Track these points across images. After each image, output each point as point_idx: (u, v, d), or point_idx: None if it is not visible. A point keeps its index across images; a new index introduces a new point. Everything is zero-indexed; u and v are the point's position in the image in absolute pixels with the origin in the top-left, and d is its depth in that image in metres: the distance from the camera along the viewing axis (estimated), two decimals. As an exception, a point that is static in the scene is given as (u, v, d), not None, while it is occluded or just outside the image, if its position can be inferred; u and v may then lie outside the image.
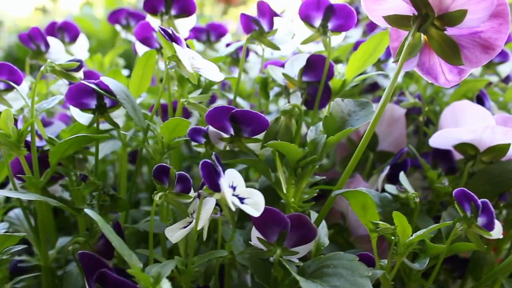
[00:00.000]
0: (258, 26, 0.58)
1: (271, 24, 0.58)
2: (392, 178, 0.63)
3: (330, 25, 0.59)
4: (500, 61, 0.75)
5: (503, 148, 0.60)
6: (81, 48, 0.74)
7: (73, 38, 0.73)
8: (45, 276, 0.60)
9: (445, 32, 0.49)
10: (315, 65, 0.60)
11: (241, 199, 0.44)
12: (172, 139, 0.53)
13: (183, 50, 0.51)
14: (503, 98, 0.73)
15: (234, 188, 0.45)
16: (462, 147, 0.62)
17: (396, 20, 0.51)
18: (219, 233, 0.51)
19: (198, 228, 0.46)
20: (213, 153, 0.45)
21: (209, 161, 0.44)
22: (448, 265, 0.68)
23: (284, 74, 0.61)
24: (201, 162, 0.43)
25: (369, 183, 0.68)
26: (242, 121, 0.52)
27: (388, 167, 0.64)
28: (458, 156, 0.66)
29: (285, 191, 0.53)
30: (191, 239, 0.48)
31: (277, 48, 0.59)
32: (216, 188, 0.43)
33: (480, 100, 0.70)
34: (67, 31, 0.73)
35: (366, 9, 0.52)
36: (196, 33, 0.80)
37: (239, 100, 0.70)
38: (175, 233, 0.47)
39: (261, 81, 0.63)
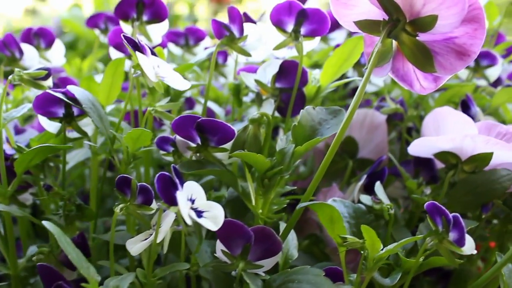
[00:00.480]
0: (229, 32, 0.57)
1: (241, 30, 0.56)
2: (369, 188, 0.61)
3: (303, 30, 0.57)
4: (488, 64, 0.72)
5: (485, 157, 0.57)
6: (57, 54, 0.73)
7: (49, 44, 0.72)
8: (14, 285, 0.59)
9: (417, 38, 0.47)
10: (288, 71, 0.59)
11: (200, 212, 0.43)
12: (137, 149, 0.52)
13: (147, 59, 0.50)
14: (489, 103, 0.71)
15: (193, 201, 0.43)
16: (443, 155, 0.60)
17: (367, 26, 0.49)
18: (183, 245, 0.50)
19: (158, 241, 0.45)
20: (172, 165, 0.44)
21: (166, 173, 0.42)
22: (431, 277, 0.66)
23: (256, 81, 0.59)
24: (157, 175, 0.42)
25: (347, 192, 0.66)
26: (207, 131, 0.51)
27: (365, 176, 0.62)
28: (440, 164, 0.64)
29: (253, 202, 0.52)
30: (153, 251, 0.47)
31: (248, 55, 0.57)
32: (171, 201, 0.41)
33: (465, 105, 0.68)
34: (42, 37, 0.72)
35: (336, 14, 0.50)
36: (174, 37, 0.78)
37: (214, 106, 0.68)
38: (135, 246, 0.46)
39: (234, 88, 0.61)
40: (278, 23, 0.57)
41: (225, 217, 0.45)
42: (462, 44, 0.47)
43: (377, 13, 0.49)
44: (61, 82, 0.70)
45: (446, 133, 0.61)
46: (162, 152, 0.56)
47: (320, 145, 0.72)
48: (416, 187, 0.61)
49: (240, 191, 0.52)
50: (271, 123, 0.53)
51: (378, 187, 0.57)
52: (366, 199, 0.57)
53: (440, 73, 0.48)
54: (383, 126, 0.69)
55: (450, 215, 0.44)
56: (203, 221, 0.42)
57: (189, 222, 0.40)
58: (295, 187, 0.55)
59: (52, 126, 0.58)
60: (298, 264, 0.51)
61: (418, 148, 0.61)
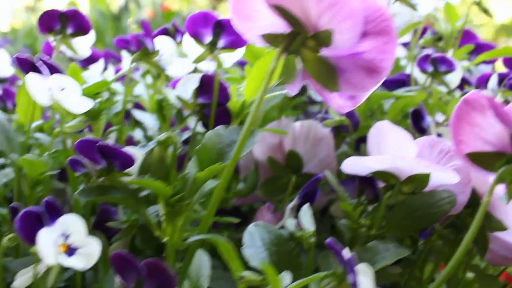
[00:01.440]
0: (143, 46, 0.53)
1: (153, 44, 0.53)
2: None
3: (222, 41, 0.53)
4: (446, 70, 0.66)
5: (423, 179, 0.52)
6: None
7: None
8: None
9: (320, 53, 0.42)
10: (209, 86, 0.55)
11: (74, 250, 0.40)
12: (40, 173, 0.50)
13: (40, 80, 0.47)
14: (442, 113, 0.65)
15: (67, 237, 0.41)
16: (381, 175, 0.55)
17: (271, 40, 0.45)
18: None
19: (39, 276, 0.43)
20: (45, 199, 0.41)
21: (32, 210, 0.40)
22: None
23: (177, 96, 0.56)
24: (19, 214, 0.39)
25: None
26: (108, 155, 0.48)
27: (297, 197, 0.58)
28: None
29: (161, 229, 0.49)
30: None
31: (162, 70, 0.54)
32: (33, 241, 0.39)
33: (416, 116, 0.62)
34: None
35: (240, 28, 0.46)
36: (124, 44, 0.76)
37: (149, 119, 0.65)
38: (20, 278, 0.44)
39: (156, 103, 0.58)
40: (195, 35, 0.53)
41: (134, 244, 0.42)
42: (371, 59, 0.42)
43: (282, 26, 0.44)
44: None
45: (385, 150, 0.56)
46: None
47: (263, 159, 0.68)
48: (352, 209, 0.56)
49: (146, 218, 0.49)
50: (178, 145, 0.49)
51: (304, 210, 0.53)
52: (290, 224, 0.53)
53: (348, 91, 0.43)
54: (327, 139, 0.65)
55: (347, 256, 0.40)
56: (72, 261, 0.39)
57: (51, 262, 0.38)
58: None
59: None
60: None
61: (352, 167, 0.56)
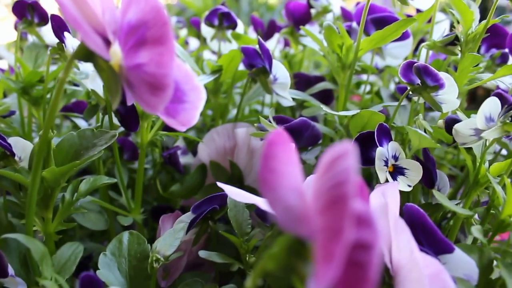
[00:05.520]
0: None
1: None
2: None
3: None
4: (434, 84, 0.47)
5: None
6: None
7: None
8: None
9: (110, 62, 0.36)
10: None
11: None
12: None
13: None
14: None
15: None
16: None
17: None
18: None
19: None
20: None
21: None
22: None
23: (92, 91, 0.55)
24: None
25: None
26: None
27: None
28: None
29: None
30: None
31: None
32: None
33: (368, 140, 0.47)
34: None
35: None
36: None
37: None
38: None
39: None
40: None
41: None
42: (152, 73, 0.34)
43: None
44: None
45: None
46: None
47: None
48: (240, 243, 0.47)
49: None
50: (50, 139, 0.49)
51: (167, 234, 0.47)
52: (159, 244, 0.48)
53: (147, 109, 0.36)
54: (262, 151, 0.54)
55: None
56: None
57: None
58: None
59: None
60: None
61: (237, 197, 0.46)
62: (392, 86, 0.81)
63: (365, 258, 0.22)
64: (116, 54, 0.35)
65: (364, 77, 0.82)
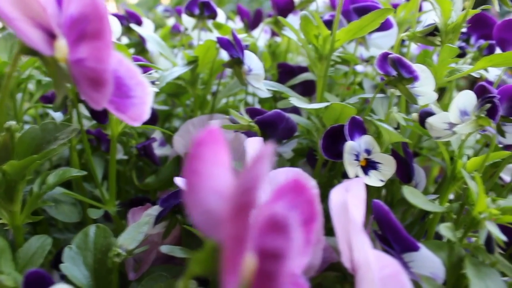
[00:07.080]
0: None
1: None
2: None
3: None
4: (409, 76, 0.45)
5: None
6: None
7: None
8: None
9: (55, 56, 0.35)
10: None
11: None
12: None
13: None
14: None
15: None
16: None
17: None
18: None
19: None
20: None
21: None
22: None
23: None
24: None
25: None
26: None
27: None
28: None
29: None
30: None
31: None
32: None
33: (339, 133, 0.46)
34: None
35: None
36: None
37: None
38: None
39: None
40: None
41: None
42: (93, 68, 0.33)
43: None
44: None
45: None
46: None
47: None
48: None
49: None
50: (14, 132, 0.49)
51: (131, 228, 0.47)
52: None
53: (91, 104, 0.35)
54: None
55: None
56: None
57: None
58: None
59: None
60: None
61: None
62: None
63: (275, 268, 0.21)
64: (61, 48, 0.34)
65: (358, 68, 0.80)
